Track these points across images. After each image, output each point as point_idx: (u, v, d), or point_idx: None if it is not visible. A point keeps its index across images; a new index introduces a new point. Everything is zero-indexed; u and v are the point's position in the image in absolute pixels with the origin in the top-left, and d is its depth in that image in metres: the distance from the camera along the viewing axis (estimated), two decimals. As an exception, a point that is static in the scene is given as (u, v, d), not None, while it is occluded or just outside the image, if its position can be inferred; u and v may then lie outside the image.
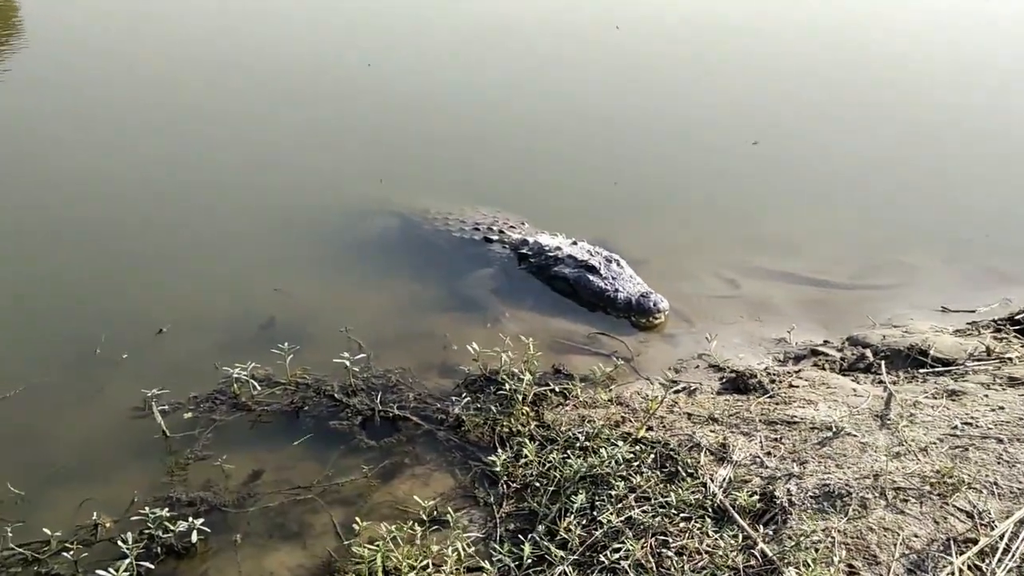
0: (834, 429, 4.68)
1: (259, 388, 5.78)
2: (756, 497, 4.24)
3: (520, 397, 5.43)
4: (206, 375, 5.99)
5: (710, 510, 4.27)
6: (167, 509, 4.64)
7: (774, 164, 9.96)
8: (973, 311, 6.81)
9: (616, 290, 6.99)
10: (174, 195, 8.90)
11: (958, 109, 11.44)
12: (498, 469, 4.85)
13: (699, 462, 4.64)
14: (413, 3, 16.44)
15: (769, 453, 4.64)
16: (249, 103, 11.30)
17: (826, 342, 6.43)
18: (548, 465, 4.82)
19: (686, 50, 14.01)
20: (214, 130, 10.41)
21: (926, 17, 16.11)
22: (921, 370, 5.61)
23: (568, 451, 4.92)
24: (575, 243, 7.61)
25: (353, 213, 8.58)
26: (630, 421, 5.27)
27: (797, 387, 5.40)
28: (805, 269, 7.62)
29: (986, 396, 4.90)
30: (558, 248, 7.50)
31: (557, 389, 5.73)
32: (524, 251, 7.64)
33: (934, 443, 4.44)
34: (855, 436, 4.61)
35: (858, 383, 5.49)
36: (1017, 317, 6.24)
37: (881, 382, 5.43)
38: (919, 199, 9.19)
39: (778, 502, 4.18)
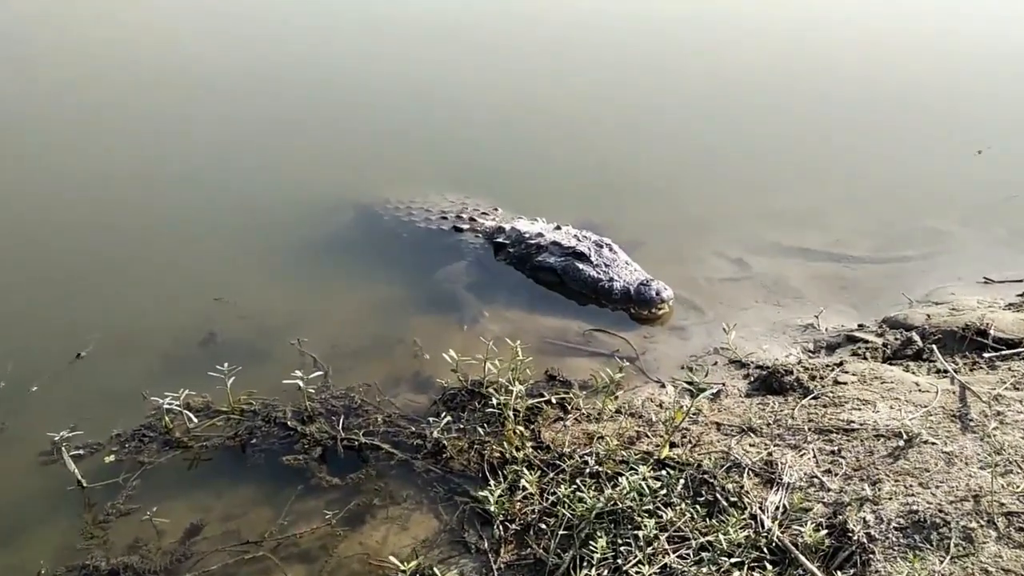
0: (906, 436, 3.78)
1: (196, 420, 4.81)
2: (824, 532, 3.32)
3: (511, 413, 4.48)
4: (133, 406, 5.05)
5: (766, 551, 3.36)
6: (82, 584, 3.71)
7: (778, 133, 9.10)
8: (1021, 280, 5.97)
9: (611, 279, 6.08)
10: (98, 192, 7.85)
11: (969, 67, 10.57)
12: (492, 507, 3.90)
13: (743, 487, 3.73)
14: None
15: (829, 471, 3.73)
16: (187, 94, 10.22)
17: (861, 326, 5.54)
18: (554, 499, 3.88)
19: (685, 24, 13.13)
20: (149, 121, 9.40)
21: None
22: (985, 354, 4.72)
23: (577, 480, 3.98)
24: (559, 228, 6.69)
25: (305, 207, 7.65)
26: (647, 436, 4.36)
27: (845, 383, 4.49)
28: (822, 243, 6.79)
29: (1081, 384, 4.03)
30: (540, 235, 6.58)
31: (554, 400, 4.83)
32: (501, 240, 6.72)
33: (1038, 449, 3.55)
34: (935, 444, 3.70)
35: (916, 374, 4.59)
36: (1084, 286, 5.39)
37: (942, 372, 4.54)
38: (939, 160, 8.37)
39: (854, 537, 3.27)
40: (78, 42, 12.11)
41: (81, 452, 4.64)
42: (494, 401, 4.52)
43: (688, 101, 10.00)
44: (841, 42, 11.95)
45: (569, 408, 4.78)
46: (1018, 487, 3.30)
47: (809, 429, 4.07)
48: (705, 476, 3.85)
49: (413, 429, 4.74)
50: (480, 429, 4.54)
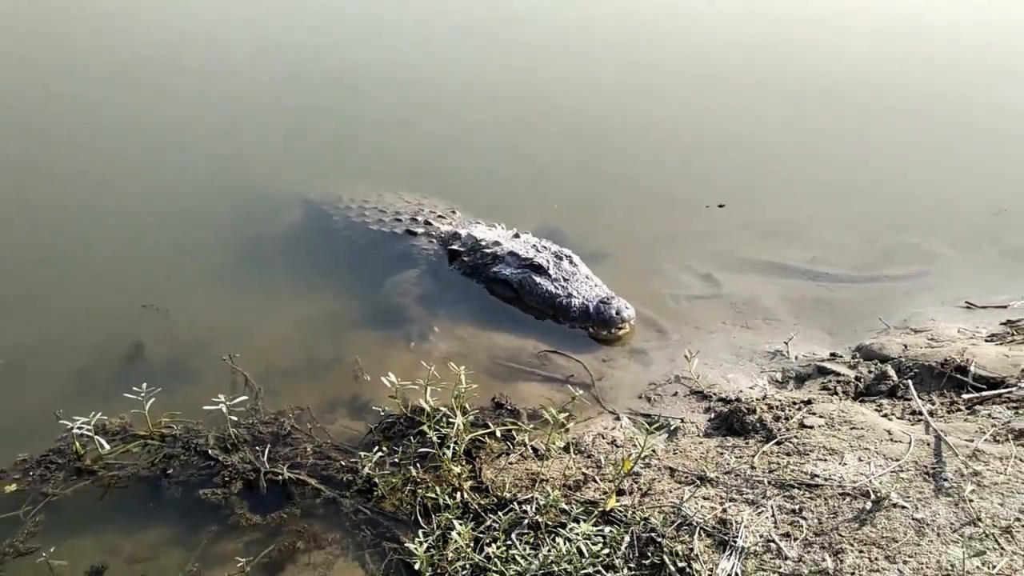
0: (874, 497, 3.42)
1: (108, 447, 4.42)
2: (778, 611, 2.96)
3: (449, 452, 4.08)
4: (43, 429, 4.62)
5: (714, 631, 2.99)
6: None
7: (752, 143, 8.66)
8: (1005, 307, 5.62)
9: (569, 295, 5.71)
10: (19, 185, 7.43)
11: (962, 81, 10.16)
12: (418, 564, 3.52)
13: (692, 550, 3.35)
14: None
15: (787, 535, 3.36)
16: (132, 84, 9.74)
17: (834, 355, 5.17)
18: (486, 555, 3.50)
19: (659, 27, 12.65)
20: (78, 110, 8.92)
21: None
22: (964, 395, 4.35)
23: (513, 534, 3.60)
24: (517, 236, 6.32)
25: (248, 204, 7.23)
26: (594, 481, 3.99)
27: (811, 428, 4.11)
28: (797, 259, 6.42)
29: (1069, 440, 3.66)
30: (496, 243, 6.19)
31: (499, 433, 4.45)
32: (456, 247, 6.33)
33: (1018, 519, 3.19)
34: (905, 508, 3.34)
35: (888, 418, 4.21)
36: (1071, 318, 5.04)
37: (917, 415, 4.17)
38: (922, 175, 7.94)
39: (811, 620, 2.91)
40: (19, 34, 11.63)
41: (-20, 481, 4.27)
42: (431, 437, 4.13)
43: (663, 106, 9.59)
44: (824, 49, 11.50)
45: (515, 442, 4.40)
46: (994, 567, 2.94)
47: (769, 482, 3.70)
48: (653, 535, 3.48)
49: (344, 462, 4.38)
50: (414, 469, 4.15)
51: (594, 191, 7.68)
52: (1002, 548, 3.05)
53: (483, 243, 6.24)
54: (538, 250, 6.07)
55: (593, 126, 8.95)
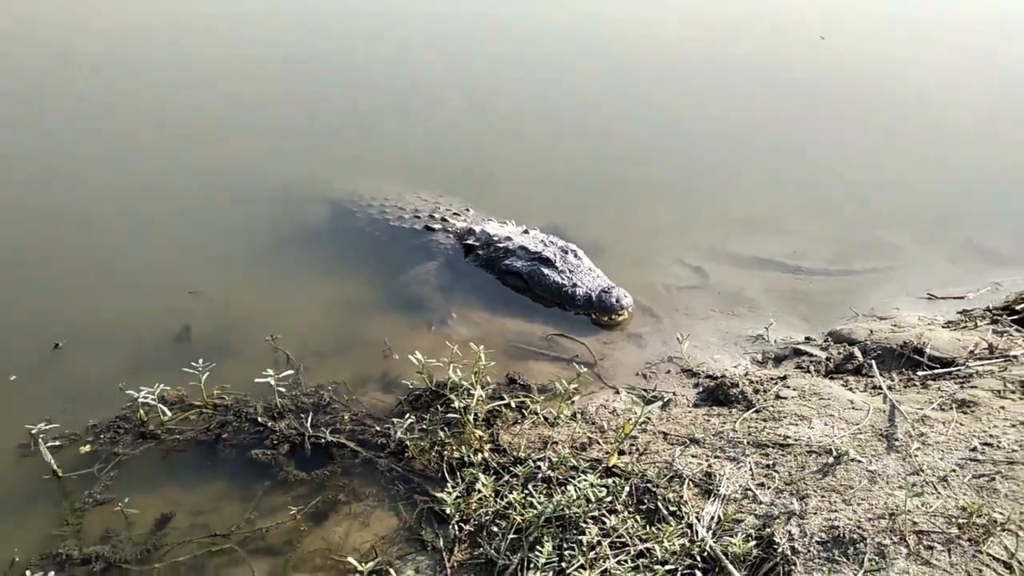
0: (835, 453, 4.06)
1: (169, 414, 4.99)
2: (752, 543, 3.59)
3: (471, 417, 4.71)
4: (109, 398, 5.20)
5: (699, 559, 3.62)
6: (55, 571, 3.89)
7: (739, 145, 9.28)
8: (962, 298, 6.27)
9: (574, 285, 6.31)
10: (72, 183, 8.00)
11: (935, 86, 10.81)
12: (448, 509, 4.14)
13: (682, 497, 3.99)
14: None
15: (762, 484, 4.00)
16: (164, 86, 10.30)
17: (808, 339, 5.82)
18: (507, 503, 4.13)
19: (648, 28, 13.23)
20: (122, 112, 9.48)
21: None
22: (919, 372, 5.01)
23: (529, 485, 4.23)
24: (526, 232, 6.91)
25: (278, 201, 7.82)
26: (598, 443, 4.61)
27: (785, 399, 4.77)
28: (778, 253, 7.05)
29: (1002, 408, 4.31)
30: (508, 238, 6.79)
31: (513, 404, 5.05)
32: (471, 242, 6.93)
33: (954, 470, 3.83)
34: (861, 462, 3.99)
35: (852, 391, 4.87)
36: (1016, 307, 5.68)
37: (877, 388, 4.82)
38: (893, 175, 8.59)
39: (779, 549, 3.54)
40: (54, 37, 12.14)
41: (58, 443, 4.82)
42: (456, 405, 4.74)
43: (655, 109, 10.14)
44: (806, 49, 12.13)
45: (527, 412, 5.01)
46: (930, 507, 3.59)
47: (748, 443, 4.34)
48: (649, 485, 4.11)
49: (378, 428, 4.93)
50: (441, 432, 4.76)
51: (593, 190, 8.26)
52: (939, 492, 3.70)
53: (496, 238, 6.83)
54: (546, 244, 6.66)
55: (591, 129, 9.54)
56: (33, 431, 4.66)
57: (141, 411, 5.01)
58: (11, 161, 8.34)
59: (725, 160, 8.80)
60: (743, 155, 8.90)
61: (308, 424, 4.94)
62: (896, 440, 4.15)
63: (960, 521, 3.48)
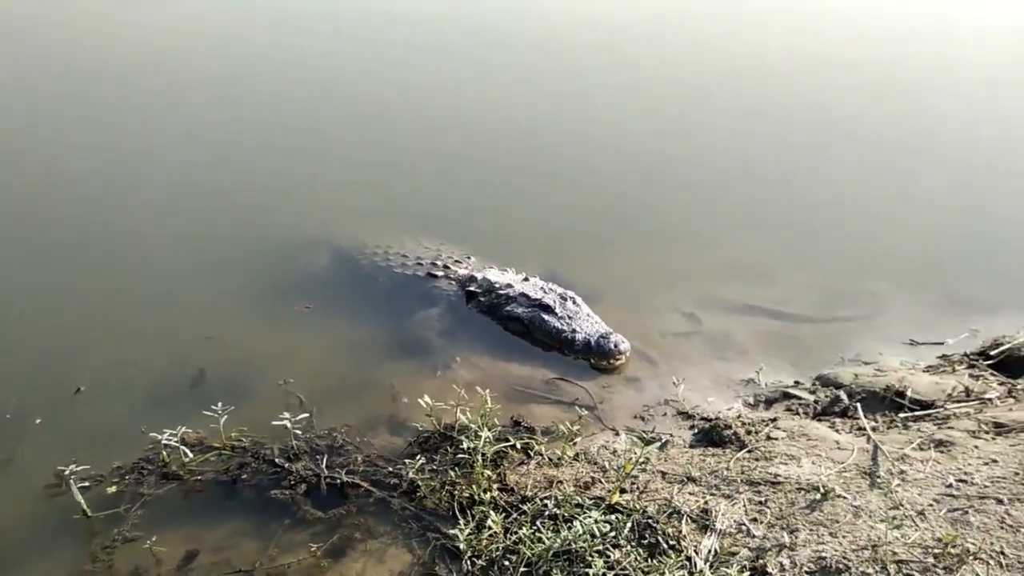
0: (822, 490, 4.35)
1: (191, 455, 5.23)
2: (747, 574, 3.87)
3: (480, 458, 4.99)
4: (131, 440, 5.47)
5: (698, 589, 3.90)
6: (88, 606, 4.13)
7: (729, 191, 9.63)
8: (942, 343, 6.61)
9: (574, 331, 6.61)
10: (91, 234, 8.28)
11: (918, 135, 11.25)
12: (461, 545, 4.39)
13: (681, 532, 4.27)
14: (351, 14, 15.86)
15: (755, 519, 4.29)
16: (173, 128, 10.62)
17: (797, 383, 6.14)
18: (516, 538, 4.39)
19: (636, 73, 13.65)
20: (134, 160, 9.78)
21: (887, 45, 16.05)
22: (900, 414, 5.33)
23: (537, 521, 4.50)
24: (527, 279, 7.22)
25: (286, 249, 8.07)
26: (601, 483, 4.88)
27: (776, 439, 5.07)
28: (767, 300, 7.35)
29: (976, 447, 4.62)
30: (509, 285, 7.09)
31: (518, 445, 5.31)
32: (473, 288, 7.22)
33: (931, 505, 4.14)
34: (846, 498, 4.28)
35: (838, 432, 5.18)
36: (991, 353, 6.03)
37: (862, 430, 5.13)
38: (879, 225, 8.96)
39: (771, 579, 3.82)
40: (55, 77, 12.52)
41: (86, 484, 5.06)
42: (464, 446, 5.01)
43: (647, 160, 10.42)
44: (794, 97, 12.61)
45: (532, 453, 5.28)
46: (909, 538, 3.88)
47: (741, 481, 4.63)
48: (649, 521, 4.39)
49: (390, 469, 5.17)
50: (451, 472, 5.01)
51: (591, 239, 8.54)
52: (917, 525, 4.00)
53: (497, 285, 7.12)
54: (545, 292, 6.96)
55: (588, 180, 9.85)
56: (65, 472, 4.89)
57: (164, 453, 5.25)
58: (29, 209, 8.63)
59: (715, 210, 9.15)
60: (733, 204, 9.24)
61: (324, 465, 5.18)
62: (878, 478, 4.45)
63: (936, 551, 3.78)
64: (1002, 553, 3.75)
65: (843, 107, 12.18)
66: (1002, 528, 3.90)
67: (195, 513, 5.00)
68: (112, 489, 5.08)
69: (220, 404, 5.31)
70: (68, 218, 8.50)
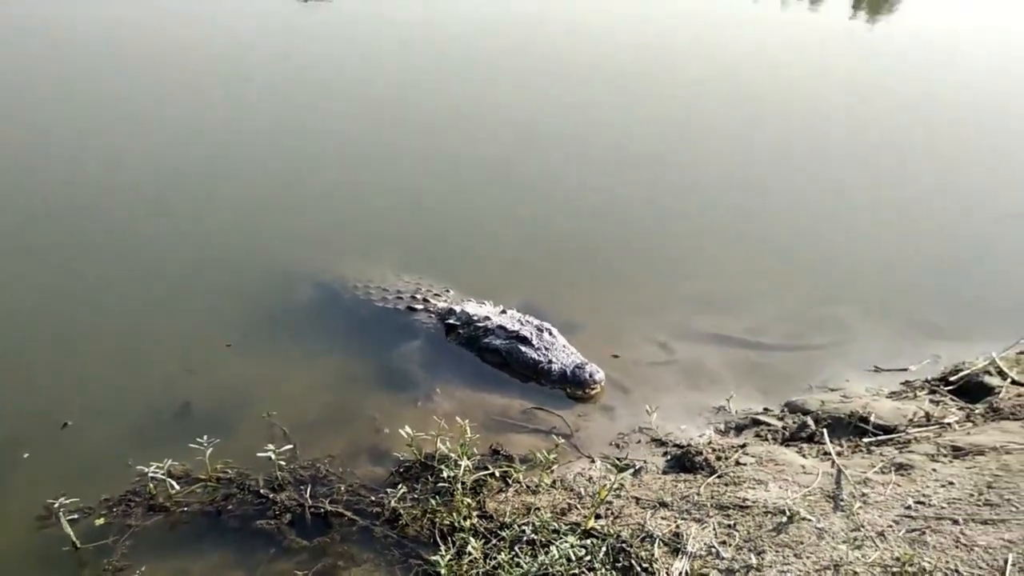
0: (788, 514, 4.55)
1: (177, 487, 5.36)
2: (716, 595, 4.05)
3: (459, 486, 5.15)
4: (118, 473, 5.58)
5: (669, 610, 4.07)
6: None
7: (699, 222, 9.84)
8: (905, 369, 6.85)
9: (550, 361, 6.80)
10: (76, 268, 8.37)
11: (885, 164, 11.53)
12: (442, 571, 4.55)
13: (653, 555, 4.44)
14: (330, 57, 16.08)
15: (724, 542, 4.47)
16: (156, 166, 10.73)
17: (766, 410, 6.35)
18: (496, 563, 4.55)
19: (610, 101, 13.92)
20: (114, 192, 9.89)
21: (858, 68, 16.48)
22: (864, 439, 5.55)
23: (515, 547, 4.66)
24: (504, 312, 7.40)
25: (268, 282, 8.19)
26: (577, 508, 5.05)
27: (745, 465, 5.27)
28: (738, 330, 7.56)
29: (934, 470, 4.84)
30: (487, 318, 7.27)
31: (497, 473, 5.47)
32: (452, 321, 7.39)
33: (891, 526, 4.34)
34: (810, 521, 4.48)
35: (805, 457, 5.39)
36: (951, 379, 6.28)
37: (827, 454, 5.34)
38: (845, 253, 9.19)
39: (739, 599, 4.01)
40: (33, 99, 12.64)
41: (75, 516, 5.15)
42: (445, 475, 5.18)
43: (621, 192, 10.55)
44: (764, 129, 12.91)
45: (510, 480, 5.45)
46: (869, 558, 4.08)
47: (712, 505, 4.82)
48: (623, 545, 4.56)
49: (373, 498, 5.31)
50: (432, 500, 5.16)
51: (566, 272, 8.69)
52: (877, 545, 4.20)
53: (476, 318, 7.30)
54: (522, 324, 7.15)
55: (562, 215, 9.99)
56: (55, 505, 5.01)
57: (151, 485, 5.37)
58: (14, 245, 8.73)
59: (686, 242, 9.30)
60: (703, 236, 9.42)
61: (308, 495, 5.32)
62: (842, 500, 4.66)
63: (894, 570, 3.98)
64: (956, 571, 3.96)
65: (807, 139, 12.49)
66: (957, 547, 4.11)
67: (182, 544, 5.12)
68: (100, 521, 5.20)
69: (206, 436, 5.45)
70: (52, 252, 8.58)
